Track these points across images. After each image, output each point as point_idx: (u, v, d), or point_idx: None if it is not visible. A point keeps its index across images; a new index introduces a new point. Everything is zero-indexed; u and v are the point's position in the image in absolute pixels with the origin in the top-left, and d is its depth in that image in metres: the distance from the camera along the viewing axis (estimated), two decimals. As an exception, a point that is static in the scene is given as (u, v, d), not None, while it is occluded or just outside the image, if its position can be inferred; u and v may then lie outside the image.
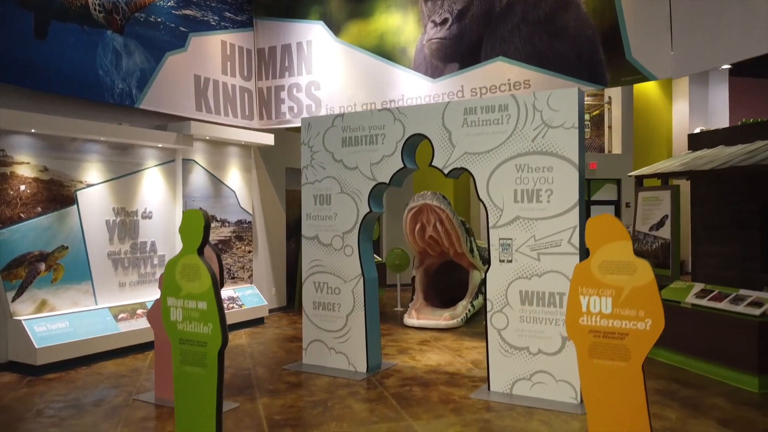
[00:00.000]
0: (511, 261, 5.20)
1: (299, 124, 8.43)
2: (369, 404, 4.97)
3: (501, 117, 5.28)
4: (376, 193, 6.04)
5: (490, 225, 5.31)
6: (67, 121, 6.37)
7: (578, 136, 4.97)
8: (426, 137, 5.68)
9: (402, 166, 5.82)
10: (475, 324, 8.59)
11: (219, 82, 8.43)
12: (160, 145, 7.52)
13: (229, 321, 7.89)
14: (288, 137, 9.83)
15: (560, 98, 5.02)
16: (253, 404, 5.00)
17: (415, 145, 5.96)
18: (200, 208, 3.59)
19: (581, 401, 4.93)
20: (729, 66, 13.71)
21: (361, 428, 4.42)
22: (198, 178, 8.11)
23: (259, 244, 9.34)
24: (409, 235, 8.64)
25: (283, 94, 8.79)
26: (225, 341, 3.56)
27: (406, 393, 5.27)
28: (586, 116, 14.34)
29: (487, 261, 9.73)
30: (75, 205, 6.66)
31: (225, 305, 7.96)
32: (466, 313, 8.56)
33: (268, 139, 8.85)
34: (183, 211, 5.08)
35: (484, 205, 5.35)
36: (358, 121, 6.05)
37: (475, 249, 8.94)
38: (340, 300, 6.11)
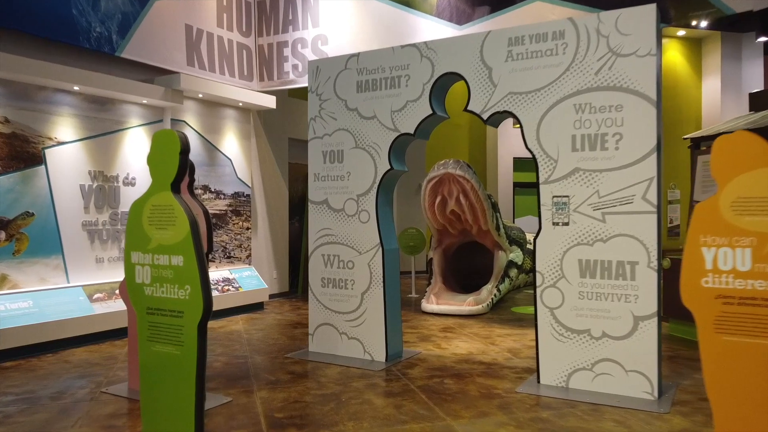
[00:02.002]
0: (567, 223, 4.22)
1: (305, 84, 7.47)
2: (393, 399, 3.99)
3: (555, 47, 4.29)
4: (398, 146, 5.05)
5: (541, 180, 4.32)
6: (32, 63, 5.39)
7: (656, 66, 3.98)
8: (460, 76, 4.69)
9: (430, 112, 4.83)
10: (501, 310, 7.61)
11: (214, 36, 7.43)
12: (144, 101, 6.53)
13: (225, 305, 6.94)
14: (291, 104, 8.85)
15: (633, 18, 4.03)
16: (249, 398, 4.02)
17: (446, 88, 4.97)
18: (177, 132, 2.60)
19: (659, 396, 3.94)
20: (766, 39, 12.72)
21: (387, 429, 3.44)
22: (189, 141, 7.12)
23: (258, 221, 8.36)
24: (427, 210, 7.65)
25: (286, 51, 7.79)
26: (208, 309, 2.58)
27: (437, 386, 4.29)
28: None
29: (514, 241, 8.78)
30: (43, 165, 5.68)
31: (219, 287, 6.99)
32: (492, 299, 7.58)
33: (269, 102, 7.86)
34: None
35: (534, 156, 4.36)
36: (377, 61, 5.06)
37: (501, 227, 7.96)
38: (353, 276, 5.13)
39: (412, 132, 4.90)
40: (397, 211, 11.82)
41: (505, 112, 4.49)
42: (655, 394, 3.93)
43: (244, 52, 7.90)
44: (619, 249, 4.05)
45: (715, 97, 13.87)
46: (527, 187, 12.94)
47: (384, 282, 4.98)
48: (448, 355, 5.22)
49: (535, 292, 4.34)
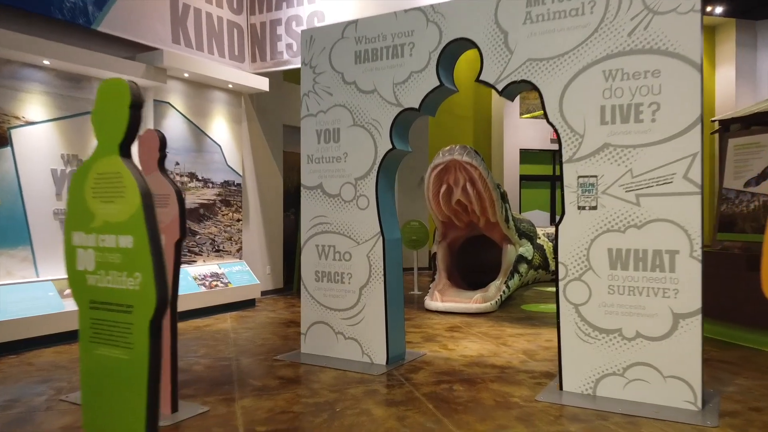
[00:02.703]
0: (595, 207, 3.68)
1: (299, 65, 6.92)
2: (395, 409, 3.46)
3: (581, 5, 3.74)
4: (401, 123, 4.51)
5: (565, 158, 3.78)
6: (-7, 32, 4.85)
7: (698, 24, 3.44)
8: (472, 43, 4.15)
9: (437, 84, 4.28)
10: (510, 308, 7.07)
11: (202, 12, 6.89)
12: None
13: (212, 302, 6.40)
14: (287, 89, 8.30)
15: (673, -30, 3.49)
16: (229, 408, 3.48)
17: (455, 56, 4.42)
18: (128, 81, 2.07)
19: (703, 406, 3.41)
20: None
21: (388, 446, 2.90)
22: (174, 125, 6.59)
23: (250, 212, 7.82)
24: (431, 200, 7.10)
25: (280, 30, 7.25)
26: (163, 303, 2.04)
27: (445, 393, 3.75)
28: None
29: (523, 234, 8.24)
30: (8, 147, 5.14)
31: (207, 282, 6.46)
32: (501, 296, 7.04)
33: (262, 84, 7.32)
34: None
35: (557, 131, 3.83)
36: (378, 28, 4.52)
37: (510, 219, 7.42)
38: (351, 268, 4.59)
39: (416, 106, 4.35)
40: (398, 205, 11.28)
41: (523, 81, 3.95)
42: (699, 404, 3.39)
43: (235, 30, 7.36)
44: (656, 236, 3.51)
45: (729, 86, 13.34)
46: (534, 180, 12.40)
47: (385, 275, 4.44)
48: (456, 357, 4.68)
49: (557, 286, 3.80)
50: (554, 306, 7.20)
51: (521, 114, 12.21)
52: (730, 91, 13.24)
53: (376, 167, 4.49)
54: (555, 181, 12.55)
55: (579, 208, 3.73)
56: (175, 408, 3.35)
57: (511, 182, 12.12)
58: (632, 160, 3.57)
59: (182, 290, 6.25)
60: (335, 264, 4.67)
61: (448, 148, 6.79)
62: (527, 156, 12.29)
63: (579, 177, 3.73)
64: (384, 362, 4.42)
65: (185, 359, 4.62)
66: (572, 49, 3.76)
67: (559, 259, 3.80)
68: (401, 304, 4.65)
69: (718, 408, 3.44)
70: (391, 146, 4.44)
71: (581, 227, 3.73)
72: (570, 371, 3.76)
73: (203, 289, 6.52)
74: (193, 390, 3.82)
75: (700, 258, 3.41)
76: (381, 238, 4.45)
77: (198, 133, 6.86)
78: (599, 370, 3.66)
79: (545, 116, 3.87)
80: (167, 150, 3.48)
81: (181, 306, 6.20)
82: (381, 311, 4.45)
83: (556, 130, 3.82)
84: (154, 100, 6.35)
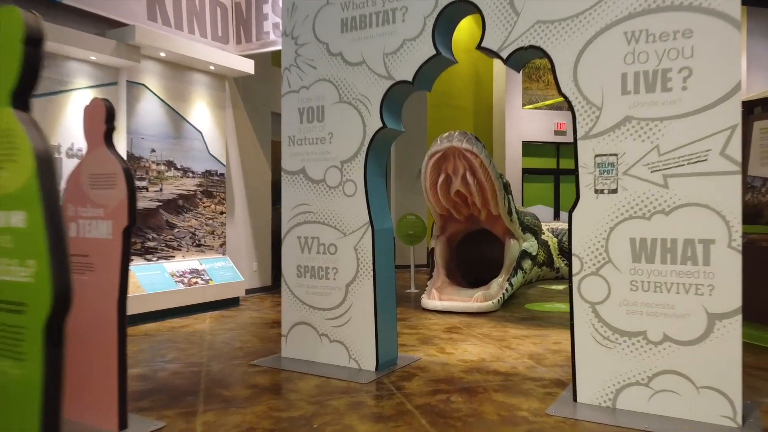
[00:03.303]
0: (615, 191, 3.17)
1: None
2: (384, 425, 2.96)
3: (599, -42, 3.24)
4: (393, 98, 4.01)
5: (580, 135, 3.28)
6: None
7: (739, -25, 2.94)
8: (473, 5, 3.64)
9: (434, 53, 3.78)
10: (514, 307, 6.57)
11: (181, -12, 6.39)
12: (93, 57, 5.49)
13: (191, 301, 5.91)
14: (275, 74, 7.80)
15: None
16: (188, 424, 2.98)
17: (453, 21, 3.92)
18: (23, 10, 1.55)
19: (743, 422, 2.90)
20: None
21: (372, 474, 2.40)
22: (150, 109, 6.08)
23: (236, 205, 7.32)
24: (429, 191, 6.60)
25: (266, 8, 6.75)
26: (62, 300, 1.53)
27: (441, 406, 3.25)
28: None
29: (527, 228, 7.74)
30: (-41, 129, 4.64)
31: (185, 279, 5.97)
32: (503, 294, 6.54)
33: (246, 66, 6.81)
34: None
35: (570, 104, 3.32)
36: (366, -8, 4.02)
37: (513, 211, 6.92)
38: (336, 263, 4.09)
39: (410, 79, 3.85)
40: (395, 199, 10.78)
41: (531, 48, 3.44)
42: (738, 419, 2.89)
43: (218, 9, 6.86)
44: (687, 223, 3.01)
45: (741, 78, 12.80)
46: (537, 174, 11.90)
47: (374, 270, 3.94)
48: (454, 363, 4.18)
49: (570, 281, 3.30)
50: (561, 305, 6.70)
51: (524, 105, 11.71)
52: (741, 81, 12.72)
53: (364, 149, 3.99)
54: (559, 175, 12.05)
55: (596, 191, 3.23)
56: (123, 424, 2.85)
57: (513, 176, 11.62)
58: (659, 135, 3.07)
59: (157, 288, 5.75)
60: (319, 258, 4.17)
61: (446, 134, 6.28)
62: (530, 149, 11.78)
63: (596, 156, 3.22)
64: (373, 368, 3.92)
65: (150, 365, 4.12)
66: (588, 8, 3.25)
67: (573, 251, 3.30)
68: (393, 302, 4.15)
69: (760, 424, 2.94)
70: (381, 125, 3.94)
71: (599, 214, 3.22)
72: (586, 380, 3.26)
73: (181, 286, 6.01)
74: (151, 402, 3.32)
75: (739, 248, 2.91)
76: (370, 228, 3.95)
77: (177, 118, 6.36)
78: (620, 378, 3.16)
79: (557, 87, 3.36)
80: (115, 123, 2.98)
81: (156, 305, 5.70)
82: (370, 311, 3.95)
83: (569, 103, 3.31)
84: (128, 81, 5.85)
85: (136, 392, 3.48)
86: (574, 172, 3.32)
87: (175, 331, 5.32)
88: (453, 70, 11.23)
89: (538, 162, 11.91)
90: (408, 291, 8.00)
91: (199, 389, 3.55)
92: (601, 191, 3.22)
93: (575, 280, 3.29)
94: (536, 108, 11.78)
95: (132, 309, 5.46)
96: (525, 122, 11.62)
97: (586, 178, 3.27)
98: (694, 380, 2.98)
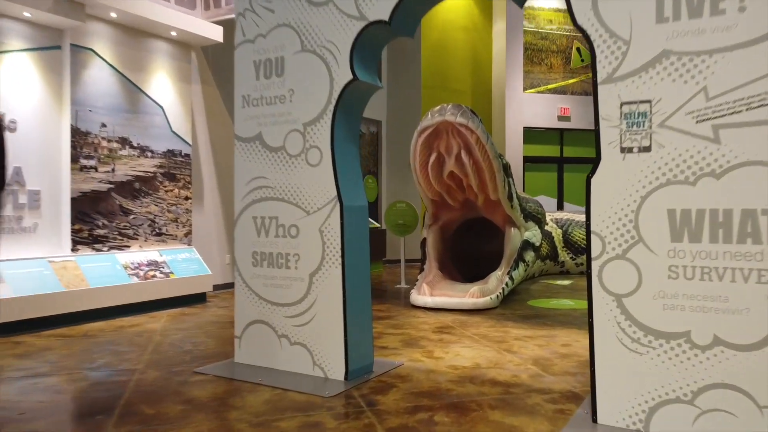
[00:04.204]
0: (648, 148, 2.43)
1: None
2: (341, 457, 2.21)
3: None
4: (366, 44, 3.26)
5: (601, 78, 2.53)
6: None
7: None
8: None
9: (414, -16, 3.03)
10: (515, 303, 5.83)
11: (138, -58, 5.64)
12: (27, 14, 4.75)
13: (148, 296, 5.21)
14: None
15: None
16: (83, 455, 2.24)
17: (439, -56, 3.16)
18: None
19: (826, 456, 2.15)
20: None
21: None
22: (99, 77, 5.34)
23: (204, 189, 6.58)
24: (419, 173, 5.85)
25: (236, -33, 5.98)
26: None
27: (422, 427, 2.51)
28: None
29: (530, 216, 6.99)
30: None
31: (141, 272, 5.23)
32: (503, 289, 5.80)
33: (215, 34, 6.07)
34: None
35: (588, 39, 2.57)
36: None
37: (514, 197, 6.17)
38: (298, 248, 3.35)
39: (386, 19, 3.10)
40: (386, 189, 10.04)
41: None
42: (818, 450, 2.15)
43: (183, -30, 6.11)
44: (745, 189, 2.26)
45: None
46: (540, 162, 11.14)
47: (343, 257, 3.19)
48: (443, 370, 3.44)
49: (588, 268, 2.56)
50: (569, 302, 5.96)
51: (525, 88, 10.96)
52: None
53: (331, 107, 3.24)
54: (563, 163, 11.30)
55: (623, 150, 2.48)
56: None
57: (513, 164, 10.86)
58: (707, 74, 2.32)
59: (105, 281, 5.02)
60: (278, 242, 3.43)
61: (438, 107, 5.53)
62: (532, 135, 11.03)
63: (623, 104, 2.48)
64: (342, 377, 3.18)
65: (71, 373, 3.38)
66: None
67: (592, 228, 2.55)
68: (367, 296, 3.40)
69: None
70: (351, 76, 3.19)
71: (626, 179, 2.48)
72: (609, 395, 2.51)
73: (135, 280, 5.27)
74: (49, 423, 2.57)
75: (819, 221, 2.17)
76: (338, 204, 3.21)
77: (132, 89, 5.61)
78: (654, 394, 2.42)
79: (572, 19, 2.61)
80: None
81: (102, 301, 4.96)
82: (338, 306, 3.20)
83: (587, 38, 2.56)
84: (72, 45, 5.10)
85: (33, 409, 2.74)
86: (594, 128, 2.57)
87: (122, 331, 4.57)
88: (451, 51, 10.49)
89: (540, 149, 11.16)
90: (398, 286, 7.27)
91: (117, 405, 2.81)
92: (630, 150, 2.47)
93: (595, 265, 2.54)
94: (538, 92, 11.03)
95: (73, 306, 4.73)
96: (526, 107, 10.87)
97: (609, 134, 2.52)
98: (755, 397, 2.24)
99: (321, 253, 3.26)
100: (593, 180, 2.56)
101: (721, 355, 2.29)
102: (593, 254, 2.55)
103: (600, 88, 2.53)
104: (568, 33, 11.24)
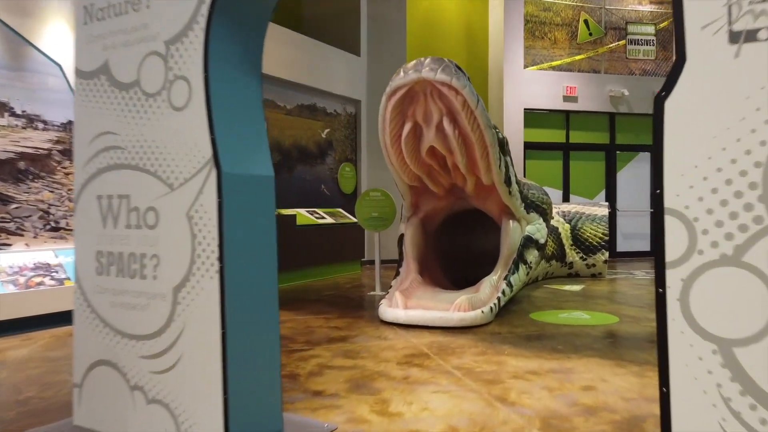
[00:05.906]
0: (796, 26, 1.13)
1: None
2: None
3: None
4: None
5: None
6: None
7: None
8: None
9: None
10: (513, 316, 4.54)
11: None
12: None
13: (30, 311, 3.95)
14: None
15: None
16: None
17: None
18: None
19: None
20: None
21: None
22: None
23: (126, 174, 5.26)
24: (390, 149, 4.54)
25: None
26: None
27: None
28: (650, 29, 10.24)
29: (532, 206, 5.66)
30: None
31: (22, 279, 3.95)
32: (498, 299, 4.51)
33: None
34: None
35: None
36: None
37: (513, 180, 4.87)
38: (157, 245, 2.05)
39: None
40: (366, 179, 8.76)
41: None
42: None
43: None
44: None
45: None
46: (543, 149, 9.84)
47: (222, 260, 1.89)
48: (397, 439, 2.14)
49: (658, 281, 1.26)
50: (583, 315, 4.64)
51: (526, 65, 9.66)
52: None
53: (205, 9, 1.95)
54: (569, 150, 9.99)
55: (732, 36, 1.19)
56: None
57: (513, 151, 9.53)
58: None
59: (-44, 292, 3.72)
60: (129, 235, 2.13)
61: (413, 62, 4.22)
62: (533, 118, 9.72)
63: (734, -60, 1.18)
64: (221, 462, 1.89)
65: None
66: None
67: (666, 203, 1.26)
68: (272, 321, 2.10)
69: None
70: (234, -45, 1.89)
71: (744, 95, 1.18)
72: None
73: (10, 288, 3.98)
74: None
75: None
76: (215, 172, 1.91)
77: (14, 41, 4.31)
78: None
79: None
80: None
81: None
82: (214, 341, 1.90)
83: None
84: None
85: None
86: (673, 6, 1.26)
87: (-35, 362, 3.28)
88: (441, 22, 9.21)
89: (543, 134, 9.85)
90: (372, 293, 5.98)
91: None
92: (752, 35, 1.17)
93: (673, 278, 1.25)
94: (541, 69, 9.73)
95: None
96: (528, 86, 9.57)
97: (701, 10, 1.22)
98: None
99: (190, 252, 1.97)
100: (668, 103, 1.26)
101: None
102: (669, 255, 1.25)
103: None
104: (574, 3, 9.94)
